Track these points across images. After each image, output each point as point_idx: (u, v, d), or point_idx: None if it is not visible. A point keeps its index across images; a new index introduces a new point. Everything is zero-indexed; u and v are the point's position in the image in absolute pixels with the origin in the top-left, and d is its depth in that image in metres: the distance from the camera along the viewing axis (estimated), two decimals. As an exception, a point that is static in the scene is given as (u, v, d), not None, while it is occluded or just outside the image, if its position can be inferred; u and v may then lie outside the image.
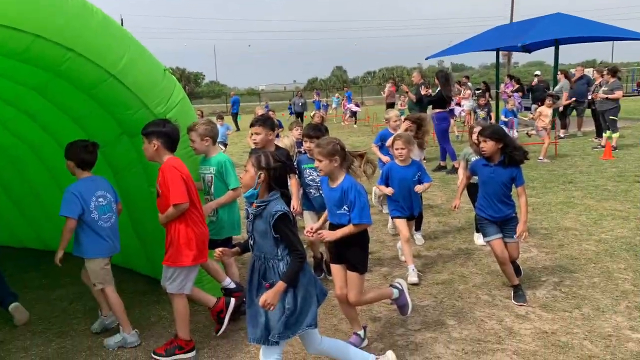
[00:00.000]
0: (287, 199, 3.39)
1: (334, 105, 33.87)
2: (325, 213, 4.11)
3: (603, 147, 12.63)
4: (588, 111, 15.80)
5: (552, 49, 17.63)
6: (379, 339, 4.28)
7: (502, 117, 13.97)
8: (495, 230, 4.85)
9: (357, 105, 27.83)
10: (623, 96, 14.17)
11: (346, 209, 3.74)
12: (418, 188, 5.46)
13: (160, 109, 4.29)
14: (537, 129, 12.24)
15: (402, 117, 7.38)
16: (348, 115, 26.93)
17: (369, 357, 3.61)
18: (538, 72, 23.03)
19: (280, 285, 3.12)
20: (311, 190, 5.41)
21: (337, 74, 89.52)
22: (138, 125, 4.14)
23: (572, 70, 17.87)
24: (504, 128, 6.40)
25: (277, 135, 7.49)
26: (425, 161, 10.58)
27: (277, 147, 5.25)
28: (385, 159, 6.98)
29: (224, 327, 4.31)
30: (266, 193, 3.26)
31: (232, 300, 4.38)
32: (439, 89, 11.60)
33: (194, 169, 4.57)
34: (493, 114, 18.19)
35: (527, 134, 13.24)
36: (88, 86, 4.00)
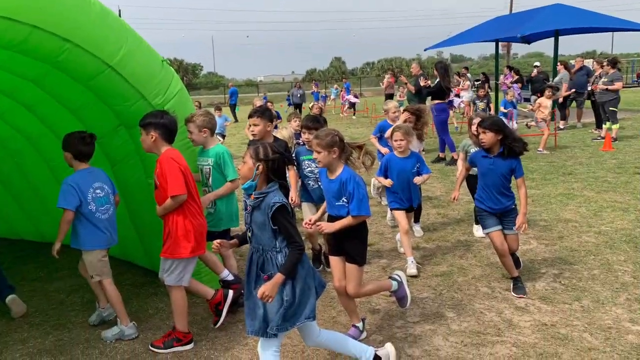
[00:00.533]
0: (285, 190, 3.37)
1: (332, 97, 33.77)
2: (324, 205, 4.09)
3: (603, 138, 12.61)
4: (588, 102, 15.78)
5: (552, 39, 17.57)
6: (378, 331, 4.27)
7: (502, 109, 13.93)
8: (495, 222, 4.84)
9: (355, 96, 27.80)
10: (623, 87, 14.15)
11: (345, 200, 3.72)
12: (417, 180, 5.44)
13: (158, 100, 4.26)
14: (537, 121, 12.22)
15: (401, 109, 7.34)
16: (347, 107, 26.92)
17: (367, 349, 3.60)
18: (537, 63, 22.96)
19: (279, 277, 3.10)
20: (310, 182, 5.38)
21: (336, 65, 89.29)
22: (136, 116, 4.11)
23: (572, 62, 17.83)
24: (503, 119, 6.37)
25: (276, 127, 7.46)
26: (424, 153, 10.59)
27: (276, 138, 5.23)
28: (384, 150, 6.96)
29: (222, 319, 4.29)
30: (264, 184, 3.24)
31: (230, 292, 4.37)
32: (438, 80, 11.57)
33: (192, 160, 4.55)
34: (492, 105, 18.16)
35: (526, 125, 13.22)
36: (86, 78, 3.97)
